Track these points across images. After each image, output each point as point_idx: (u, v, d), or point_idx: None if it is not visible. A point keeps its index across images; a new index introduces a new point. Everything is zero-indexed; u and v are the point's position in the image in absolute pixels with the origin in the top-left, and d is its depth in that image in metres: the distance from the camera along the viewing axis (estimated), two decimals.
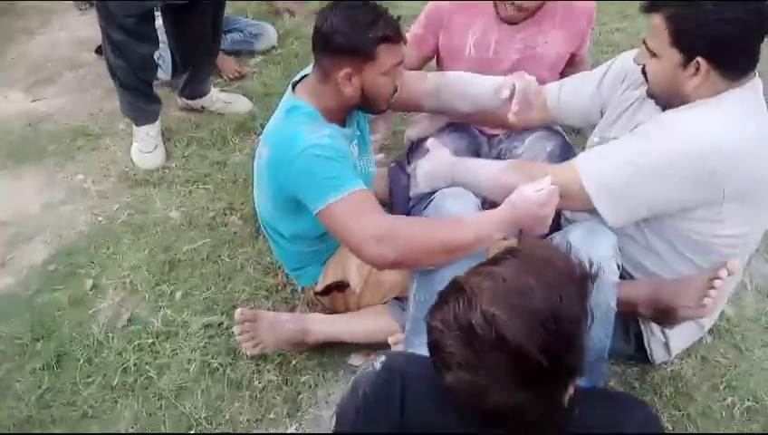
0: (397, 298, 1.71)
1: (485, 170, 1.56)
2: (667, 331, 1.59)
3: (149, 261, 2.14)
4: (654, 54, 1.35)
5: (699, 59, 1.30)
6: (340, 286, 1.74)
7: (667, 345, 1.62)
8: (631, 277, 1.54)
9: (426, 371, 0.95)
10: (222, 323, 1.90)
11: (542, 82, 1.83)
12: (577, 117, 1.73)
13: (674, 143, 1.32)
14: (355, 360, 1.77)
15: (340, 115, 1.59)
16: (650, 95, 1.45)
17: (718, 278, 1.35)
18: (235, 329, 1.74)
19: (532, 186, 1.34)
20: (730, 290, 1.64)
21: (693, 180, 1.32)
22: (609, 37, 3.06)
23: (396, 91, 1.55)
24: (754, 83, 1.35)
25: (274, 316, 1.78)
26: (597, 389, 1.33)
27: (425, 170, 1.61)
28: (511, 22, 1.89)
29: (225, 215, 2.29)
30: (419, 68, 2.13)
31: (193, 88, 2.71)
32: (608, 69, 1.65)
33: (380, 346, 1.67)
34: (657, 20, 1.32)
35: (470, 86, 1.75)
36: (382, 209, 1.45)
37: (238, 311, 1.74)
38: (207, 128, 2.70)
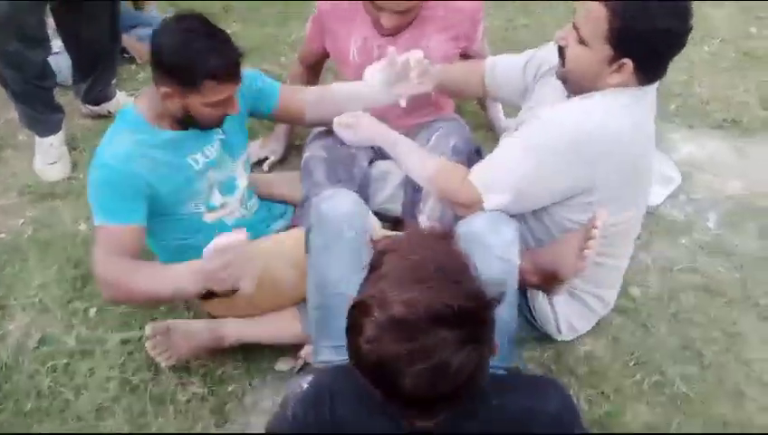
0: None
1: (413, 158, 1.65)
2: (556, 309, 1.67)
3: (59, 278, 2.04)
4: (582, 42, 1.35)
5: (627, 60, 1.32)
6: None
7: (557, 324, 1.71)
8: None
9: (353, 382, 0.96)
10: (140, 337, 1.83)
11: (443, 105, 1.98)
12: (511, 92, 1.76)
13: (551, 133, 1.39)
14: (282, 365, 1.76)
15: (175, 124, 1.58)
16: (561, 77, 1.46)
17: (593, 229, 1.39)
18: (147, 344, 1.70)
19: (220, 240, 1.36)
20: (616, 273, 1.72)
21: (568, 169, 1.39)
22: (515, 33, 3.15)
23: (223, 116, 1.56)
24: (652, 87, 1.43)
25: (187, 325, 1.74)
26: (510, 374, 1.38)
27: (350, 141, 1.75)
28: (389, 34, 1.87)
29: None
30: (315, 64, 2.18)
31: (97, 93, 2.60)
32: (533, 54, 1.70)
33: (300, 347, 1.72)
34: (598, 10, 1.31)
35: (356, 87, 1.78)
36: (123, 250, 1.49)
37: (148, 326, 1.70)
38: None
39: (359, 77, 1.88)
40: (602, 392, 1.72)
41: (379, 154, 1.98)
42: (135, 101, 1.60)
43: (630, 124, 1.39)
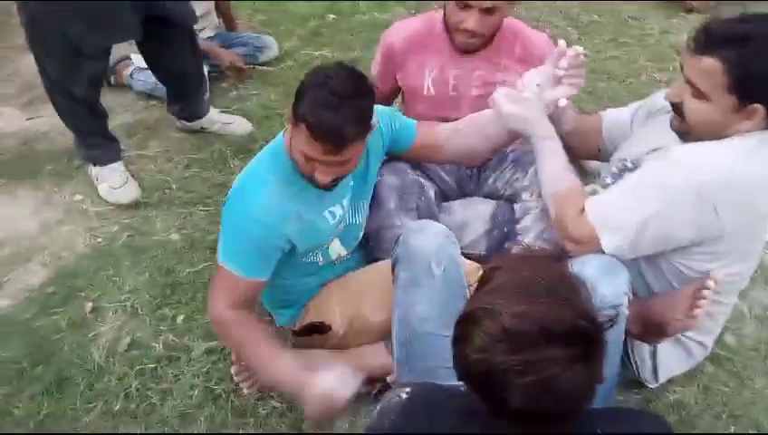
0: None
1: (555, 164, 1.55)
2: (657, 356, 1.61)
3: (150, 284, 2.12)
4: (703, 96, 1.32)
5: (758, 106, 1.29)
6: (321, 329, 1.70)
7: (655, 371, 1.65)
8: None
9: (452, 400, 0.96)
10: (224, 348, 1.89)
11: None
12: (621, 144, 1.70)
13: (682, 174, 1.33)
14: (361, 388, 1.75)
15: None
16: (680, 132, 1.42)
17: (706, 289, 1.36)
18: (232, 369, 1.69)
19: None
20: (722, 318, 1.65)
21: (696, 215, 1.33)
22: (602, 65, 3.10)
23: (313, 179, 1.46)
24: None
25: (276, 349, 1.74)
26: (611, 407, 1.35)
27: (505, 112, 1.60)
28: (467, 51, 1.83)
29: None
30: (387, 102, 2.09)
31: (190, 110, 2.71)
32: (643, 103, 1.67)
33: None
34: (712, 63, 1.27)
35: (485, 120, 1.69)
36: (243, 300, 1.54)
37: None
38: (207, 149, 2.70)
39: (432, 110, 1.86)
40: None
41: (445, 187, 1.96)
42: (285, 139, 1.51)
43: (759, 170, 1.33)
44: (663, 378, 1.68)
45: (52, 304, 2.07)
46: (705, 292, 1.35)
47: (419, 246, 1.46)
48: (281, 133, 1.56)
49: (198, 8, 2.97)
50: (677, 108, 1.39)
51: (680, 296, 1.40)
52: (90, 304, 2.07)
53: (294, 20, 3.61)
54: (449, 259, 1.47)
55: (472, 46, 1.81)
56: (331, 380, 1.40)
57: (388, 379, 1.64)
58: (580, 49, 1.51)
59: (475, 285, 0.98)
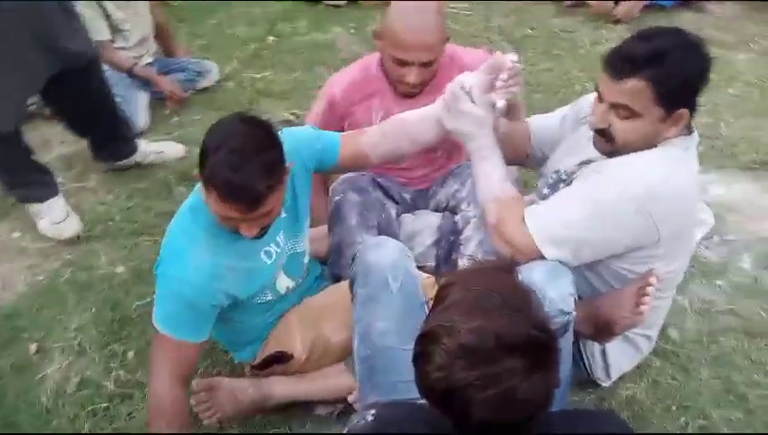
0: None
1: (497, 175, 1.53)
2: (607, 355, 1.66)
3: (97, 320, 2.06)
4: (634, 115, 1.38)
5: (683, 110, 1.37)
6: (282, 359, 1.69)
7: (607, 370, 1.70)
8: None
9: (418, 415, 0.97)
10: None
11: (457, 147, 1.88)
12: (549, 151, 1.76)
13: (614, 191, 1.39)
14: (321, 410, 1.75)
15: None
16: (609, 153, 1.46)
17: (649, 286, 1.42)
18: (192, 400, 1.65)
19: None
20: (663, 311, 1.72)
21: (633, 226, 1.40)
22: (536, 77, 3.20)
23: (239, 232, 1.41)
24: (695, 134, 1.47)
25: (233, 383, 1.71)
26: (568, 410, 1.39)
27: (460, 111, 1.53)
28: (409, 96, 1.84)
29: None
30: None
31: (117, 153, 2.63)
32: (569, 108, 1.73)
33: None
34: (637, 83, 1.34)
35: (410, 123, 1.65)
36: (184, 365, 1.51)
37: (194, 381, 1.67)
38: (149, 178, 2.65)
39: None
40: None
41: (404, 205, 1.99)
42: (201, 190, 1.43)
43: (686, 177, 1.43)
44: (615, 376, 1.73)
45: None
46: (648, 289, 1.41)
47: (375, 262, 1.48)
48: (198, 185, 1.46)
49: (134, 35, 2.95)
50: (604, 132, 1.44)
51: (625, 295, 1.46)
52: (34, 346, 1.99)
53: (234, 43, 3.60)
54: (405, 273, 1.48)
55: (413, 94, 1.83)
56: None
57: (350, 398, 1.63)
58: (514, 57, 1.52)
59: (432, 303, 0.99)
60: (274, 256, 1.58)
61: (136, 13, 2.95)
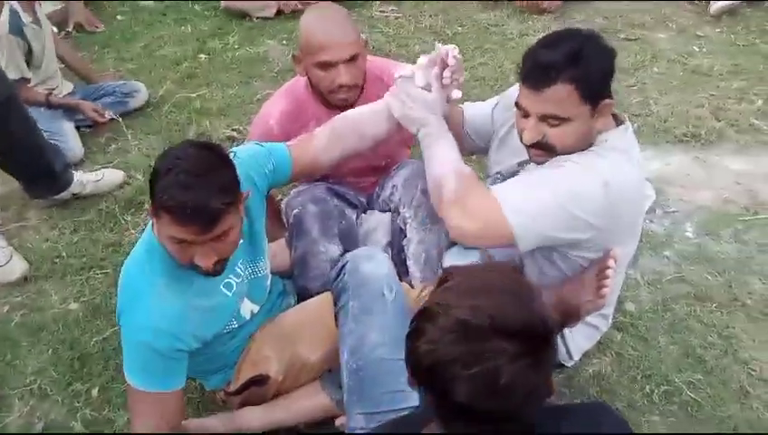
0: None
1: (447, 157, 1.53)
2: (566, 337, 1.71)
3: (56, 361, 1.99)
4: (564, 120, 1.39)
5: (607, 101, 1.42)
6: (259, 381, 1.63)
7: (568, 352, 1.74)
8: None
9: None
10: None
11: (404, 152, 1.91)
12: (481, 140, 1.80)
13: (589, 175, 1.41)
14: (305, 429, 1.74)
15: None
16: (545, 160, 1.48)
17: (608, 268, 1.44)
18: None
19: None
20: (617, 289, 1.75)
21: (602, 210, 1.42)
22: (473, 72, 3.27)
23: (195, 266, 1.36)
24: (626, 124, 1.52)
25: (203, 423, 1.67)
26: (563, 404, 1.39)
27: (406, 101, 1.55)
28: (344, 106, 1.79)
29: None
30: None
31: (52, 187, 2.53)
32: (501, 97, 1.76)
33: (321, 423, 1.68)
34: (560, 88, 1.36)
35: (359, 119, 1.66)
36: (167, 416, 1.46)
37: None
38: (93, 209, 2.57)
39: (337, 169, 1.83)
40: (616, 409, 1.75)
41: (361, 209, 1.98)
42: (153, 229, 1.41)
43: (636, 166, 1.48)
44: (577, 356, 1.78)
45: None
46: (608, 271, 1.44)
47: (371, 273, 1.47)
48: (150, 225, 1.45)
49: (36, 76, 2.84)
50: (540, 145, 1.45)
51: (586, 279, 1.48)
52: None
53: (165, 64, 3.52)
54: (397, 283, 1.49)
55: (351, 99, 1.79)
56: None
57: (337, 422, 1.62)
58: (455, 51, 1.54)
59: (432, 288, 1.00)
60: (235, 287, 1.53)
61: (44, 46, 2.85)
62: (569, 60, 1.36)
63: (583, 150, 1.46)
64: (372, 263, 1.49)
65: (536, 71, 1.38)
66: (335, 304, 1.55)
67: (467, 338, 0.87)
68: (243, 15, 3.87)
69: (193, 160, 1.29)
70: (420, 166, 1.86)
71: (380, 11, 3.88)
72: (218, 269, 1.39)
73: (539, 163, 1.50)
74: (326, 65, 1.71)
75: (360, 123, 1.64)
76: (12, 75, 2.62)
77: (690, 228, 2.30)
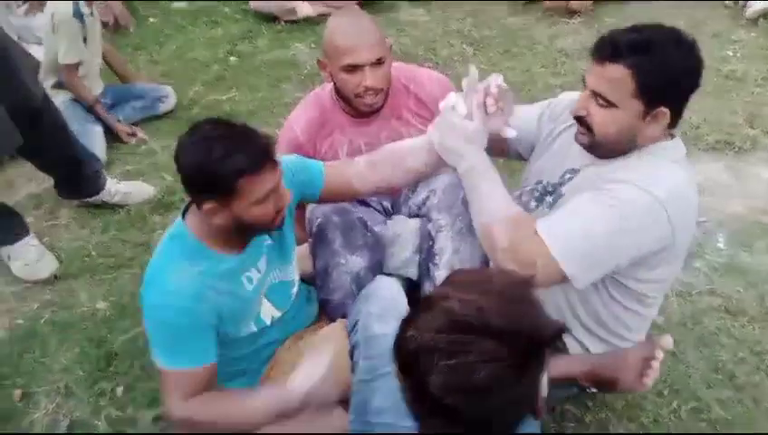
0: None
1: (498, 194, 1.43)
2: None
3: (83, 359, 2.02)
4: (611, 105, 1.33)
5: (664, 109, 1.32)
6: None
7: None
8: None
9: None
10: None
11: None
12: (526, 146, 1.71)
13: (635, 194, 1.34)
14: None
15: (234, 241, 1.46)
16: (588, 145, 1.42)
17: (656, 358, 1.34)
18: None
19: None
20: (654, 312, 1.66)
21: (653, 228, 1.35)
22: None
23: (281, 209, 1.40)
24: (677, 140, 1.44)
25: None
26: None
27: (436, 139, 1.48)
28: (366, 114, 1.80)
29: None
30: None
31: (81, 191, 2.58)
32: (547, 104, 1.68)
33: None
34: (618, 71, 1.30)
35: (400, 152, 1.61)
36: (201, 389, 1.43)
37: None
38: (123, 209, 2.61)
39: None
40: (642, 424, 1.72)
41: (385, 214, 1.97)
42: (186, 220, 1.44)
43: (689, 178, 1.41)
44: None
45: None
46: (654, 363, 1.34)
47: (381, 335, 1.43)
48: (179, 219, 1.47)
49: (81, 68, 2.89)
50: (583, 121, 1.39)
51: (630, 360, 1.37)
52: (18, 392, 1.95)
53: (195, 67, 3.57)
54: None
55: (377, 103, 1.77)
56: (301, 373, 1.39)
57: None
58: (499, 79, 1.45)
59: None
60: (255, 283, 1.53)
61: (95, 40, 2.94)
62: (639, 46, 1.30)
63: (624, 152, 1.40)
64: (383, 323, 1.44)
65: (606, 45, 1.32)
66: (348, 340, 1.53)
67: (451, 329, 0.86)
68: (272, 18, 3.90)
69: (218, 130, 1.33)
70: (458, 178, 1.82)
71: (409, 14, 3.88)
72: (280, 222, 1.43)
73: (582, 144, 1.43)
74: (352, 68, 1.71)
75: (400, 156, 1.59)
76: (71, 58, 2.77)
77: (722, 239, 2.25)
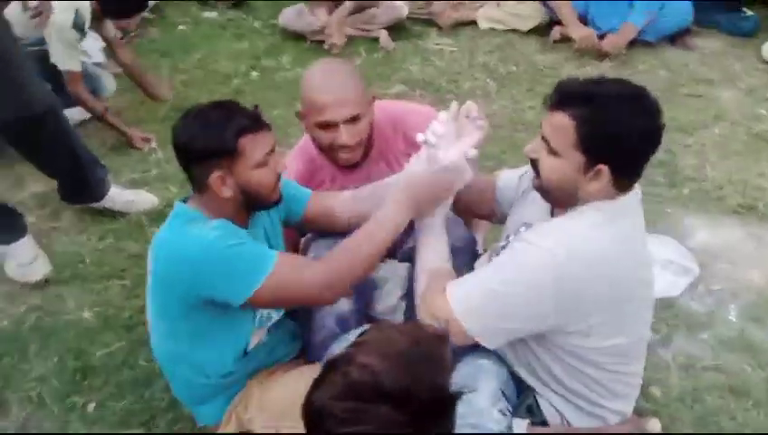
0: None
1: (432, 250, 1.53)
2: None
3: (59, 369, 1.99)
4: (554, 153, 1.31)
5: (602, 166, 1.29)
6: None
7: None
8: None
9: None
10: None
11: None
12: (509, 206, 1.68)
13: (532, 259, 1.31)
14: None
15: (237, 222, 1.48)
16: (539, 189, 1.41)
17: None
18: None
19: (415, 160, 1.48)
20: (636, 381, 1.57)
21: (545, 290, 1.30)
22: (521, 115, 3.17)
23: (279, 178, 1.48)
24: (631, 198, 1.37)
25: None
26: None
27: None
28: (351, 165, 1.77)
29: (143, 314, 2.16)
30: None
31: (84, 196, 2.56)
32: (528, 168, 1.62)
33: None
34: (563, 119, 1.28)
35: (383, 188, 1.63)
36: (310, 261, 1.52)
37: None
38: (125, 218, 2.59)
39: None
40: None
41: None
42: (186, 203, 1.49)
43: (610, 243, 1.32)
44: None
45: None
46: None
47: None
48: (177, 203, 1.50)
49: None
50: (534, 164, 1.38)
51: None
52: None
53: (217, 79, 3.57)
54: None
55: (354, 159, 1.73)
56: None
57: None
58: (474, 106, 1.51)
59: None
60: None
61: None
62: (583, 98, 1.28)
63: (568, 205, 1.37)
64: None
65: (555, 92, 1.32)
66: None
67: (348, 396, 0.87)
68: (299, 36, 3.88)
69: (209, 105, 1.43)
70: (452, 222, 1.77)
71: (436, 44, 3.83)
72: (278, 196, 1.51)
73: (534, 187, 1.43)
74: (326, 125, 1.65)
75: (382, 191, 1.60)
76: (72, 65, 2.79)
77: (734, 311, 2.12)
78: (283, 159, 1.49)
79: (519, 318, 1.35)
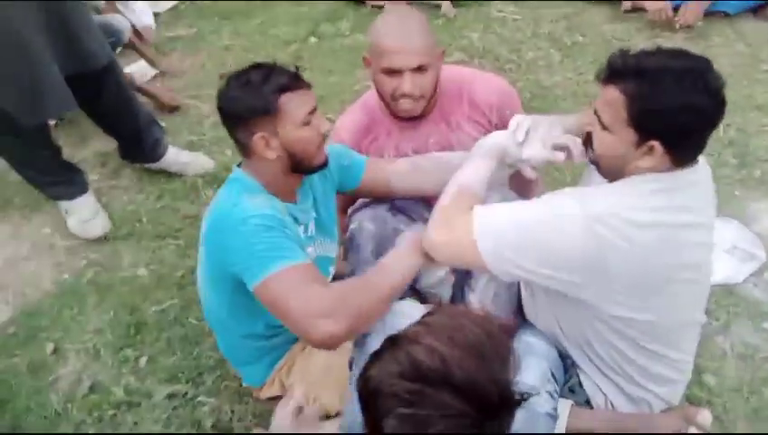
0: None
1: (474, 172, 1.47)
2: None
3: (114, 323, 2.06)
4: (605, 127, 1.28)
5: (655, 142, 1.23)
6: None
7: None
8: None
9: None
10: (186, 392, 1.82)
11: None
12: None
13: (568, 209, 1.27)
14: None
15: (286, 187, 1.50)
16: (593, 161, 1.38)
17: None
18: None
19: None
20: (686, 367, 1.53)
21: (568, 237, 1.25)
22: (584, 88, 3.04)
23: (325, 138, 1.47)
24: (690, 173, 1.30)
25: None
26: None
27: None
28: (411, 117, 1.73)
29: (195, 274, 2.22)
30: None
31: (142, 156, 2.62)
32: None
33: None
34: (614, 94, 1.23)
35: (449, 161, 1.61)
36: (326, 281, 1.42)
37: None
38: (180, 179, 2.65)
39: None
40: None
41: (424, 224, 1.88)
42: (242, 168, 1.50)
43: (651, 216, 1.25)
44: None
45: (12, 346, 2.02)
46: None
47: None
48: (235, 167, 1.52)
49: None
50: (588, 139, 1.36)
51: (658, 428, 1.37)
52: (51, 346, 2.01)
53: (276, 44, 3.57)
54: None
55: (415, 111, 1.70)
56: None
57: None
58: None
59: None
60: (303, 236, 1.52)
61: None
62: (634, 72, 1.22)
63: (615, 178, 1.32)
64: (377, 336, 1.34)
65: (608, 66, 1.27)
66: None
67: (413, 377, 0.85)
68: (360, 0, 3.83)
69: (247, 68, 1.43)
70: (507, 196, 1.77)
71: (499, 11, 3.71)
72: (325, 160, 1.50)
73: (588, 157, 1.40)
74: (391, 72, 1.62)
75: (448, 165, 1.56)
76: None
77: None
78: (328, 125, 1.47)
79: (534, 258, 1.29)
